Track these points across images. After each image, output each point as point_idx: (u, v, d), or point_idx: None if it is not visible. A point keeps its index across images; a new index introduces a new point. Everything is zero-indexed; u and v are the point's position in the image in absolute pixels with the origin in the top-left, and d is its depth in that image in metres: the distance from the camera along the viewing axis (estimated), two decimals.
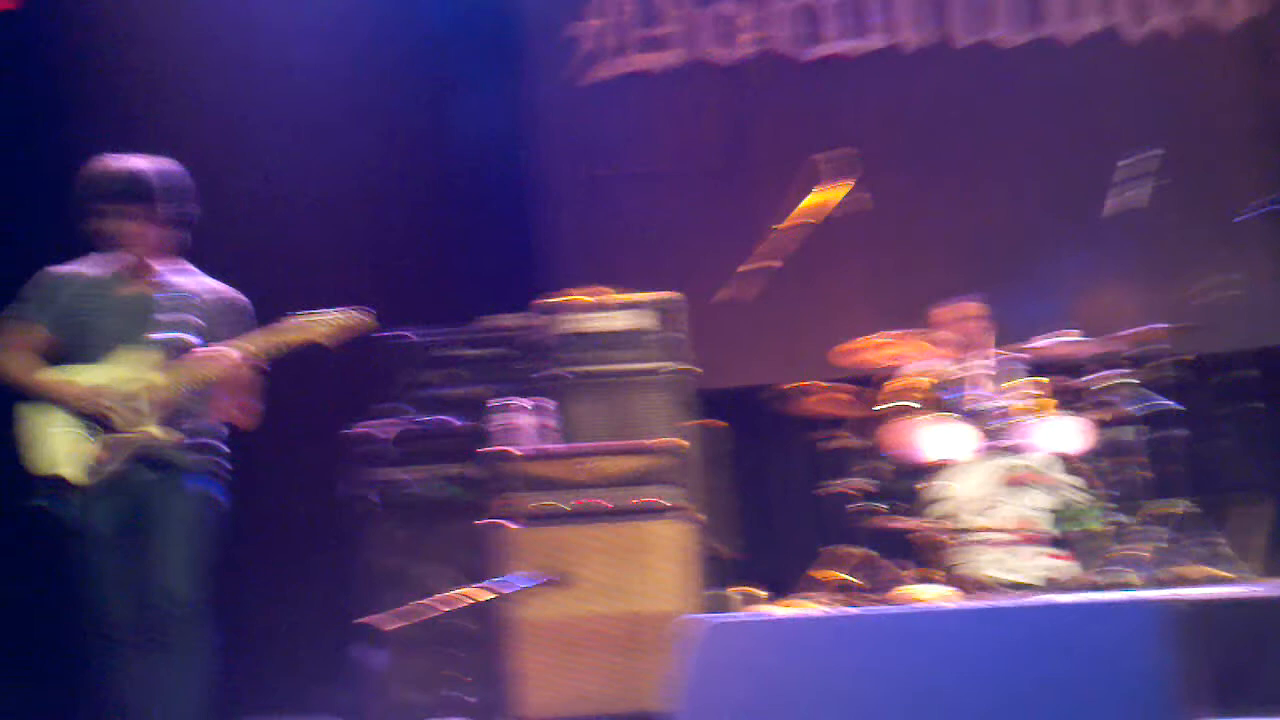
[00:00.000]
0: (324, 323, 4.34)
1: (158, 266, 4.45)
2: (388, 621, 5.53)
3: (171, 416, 4.32)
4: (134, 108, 6.95)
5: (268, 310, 4.58)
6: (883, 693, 3.36)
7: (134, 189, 4.34)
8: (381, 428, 5.86)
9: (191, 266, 4.55)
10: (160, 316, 4.35)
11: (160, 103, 7.02)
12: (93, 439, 4.28)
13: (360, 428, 5.86)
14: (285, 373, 6.49)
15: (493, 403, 5.84)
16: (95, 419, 4.28)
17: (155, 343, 4.31)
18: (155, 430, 4.28)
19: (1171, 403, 5.94)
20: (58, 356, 4.40)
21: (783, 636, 3.70)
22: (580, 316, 5.94)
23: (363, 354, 6.26)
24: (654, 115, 7.63)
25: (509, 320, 6.21)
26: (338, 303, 6.85)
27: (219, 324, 4.43)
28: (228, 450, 4.51)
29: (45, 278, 4.47)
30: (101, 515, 4.28)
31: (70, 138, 6.90)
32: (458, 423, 5.89)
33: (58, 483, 4.25)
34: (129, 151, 4.47)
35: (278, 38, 7.22)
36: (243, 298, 4.56)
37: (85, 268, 4.47)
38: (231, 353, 4.32)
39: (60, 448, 4.27)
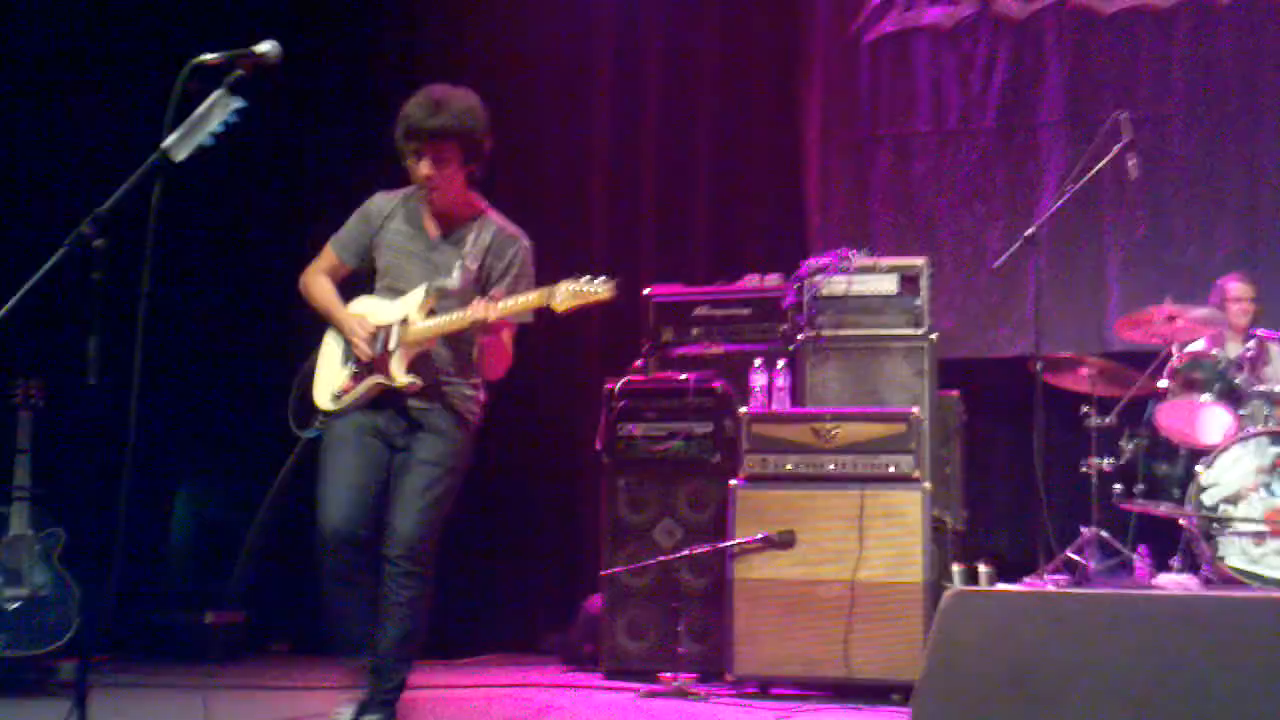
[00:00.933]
0: (578, 294, 4.10)
1: (459, 208, 4.37)
2: (617, 573, 5.73)
3: (419, 361, 4.28)
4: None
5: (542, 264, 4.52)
6: (1136, 676, 3.27)
7: (448, 128, 4.22)
8: (631, 383, 6.01)
9: (486, 205, 4.45)
10: (440, 259, 4.33)
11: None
12: (345, 368, 4.33)
13: (611, 382, 6.03)
14: (543, 322, 6.86)
15: (742, 363, 5.91)
16: (351, 349, 4.32)
17: (428, 286, 4.28)
18: (396, 372, 4.24)
19: None
20: (374, 284, 4.44)
21: (1033, 610, 3.63)
22: (832, 280, 5.91)
23: (622, 309, 6.53)
24: (937, 71, 7.44)
25: (766, 281, 6.25)
26: (607, 257, 7.23)
27: (497, 268, 4.34)
28: (480, 402, 4.42)
29: (371, 204, 4.48)
30: (341, 436, 4.30)
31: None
32: (706, 382, 5.98)
33: (319, 412, 4.34)
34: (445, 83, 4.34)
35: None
36: (525, 241, 4.42)
37: (405, 200, 4.43)
38: (486, 308, 4.17)
39: (325, 376, 4.36)
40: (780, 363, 5.82)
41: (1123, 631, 3.15)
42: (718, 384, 5.92)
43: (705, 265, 7.05)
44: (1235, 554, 5.38)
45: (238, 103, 3.24)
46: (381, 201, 4.48)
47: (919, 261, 5.85)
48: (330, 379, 4.37)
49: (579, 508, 6.84)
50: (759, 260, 6.56)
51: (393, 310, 4.33)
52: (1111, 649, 3.14)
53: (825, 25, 7.53)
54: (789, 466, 5.52)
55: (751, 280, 6.30)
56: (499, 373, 4.42)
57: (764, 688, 5.42)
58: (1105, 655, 3.12)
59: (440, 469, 4.28)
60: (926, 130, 7.39)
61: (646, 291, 6.27)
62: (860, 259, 5.89)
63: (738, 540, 5.42)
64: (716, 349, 6.15)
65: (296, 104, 7.33)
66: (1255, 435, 5.53)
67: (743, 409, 5.66)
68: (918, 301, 5.77)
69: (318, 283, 4.46)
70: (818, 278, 5.88)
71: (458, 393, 4.35)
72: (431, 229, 4.40)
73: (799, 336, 5.84)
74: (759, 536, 5.41)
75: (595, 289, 4.09)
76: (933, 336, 5.74)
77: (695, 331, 6.21)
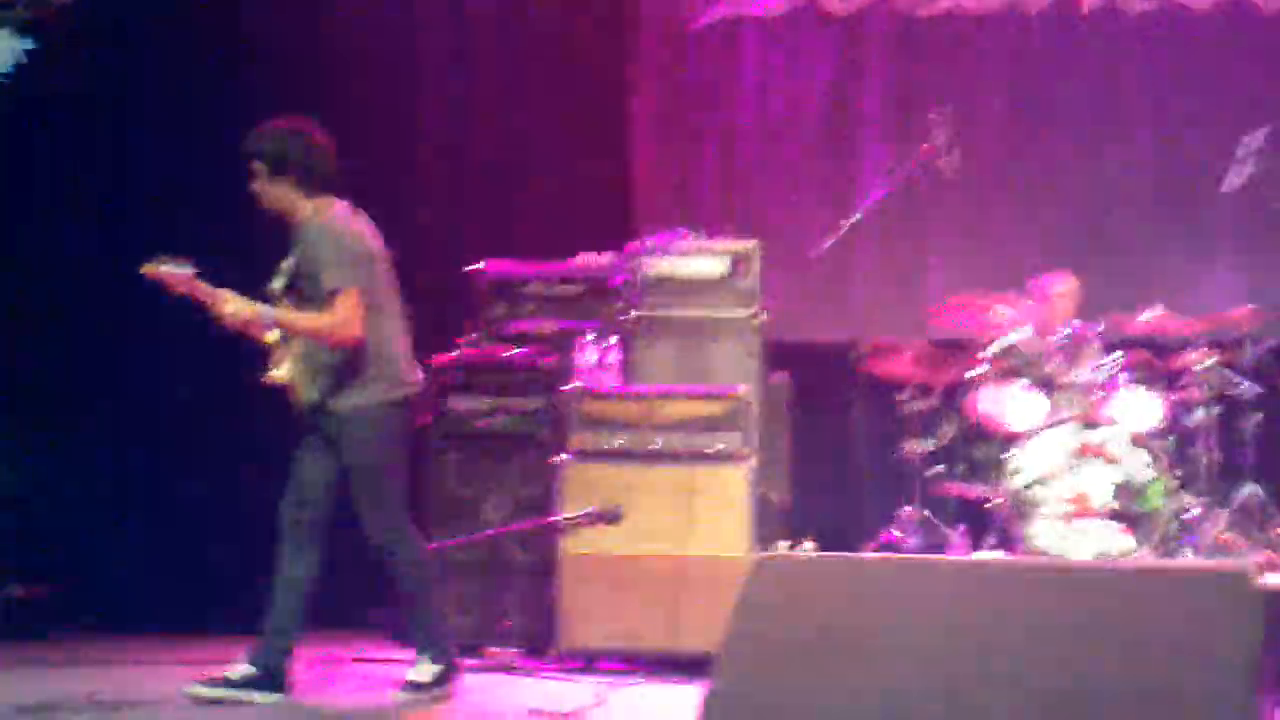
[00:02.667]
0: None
1: (286, 217, 4.85)
2: (444, 548, 5.66)
3: (301, 359, 4.74)
4: None
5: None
6: (941, 641, 3.34)
7: (249, 150, 4.81)
8: (459, 359, 5.96)
9: (315, 207, 4.83)
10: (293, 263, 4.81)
11: None
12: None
13: (439, 358, 5.97)
14: None
15: (572, 340, 5.92)
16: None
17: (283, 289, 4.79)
18: (287, 369, 4.73)
19: (1252, 386, 5.81)
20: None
21: (839, 576, 3.69)
22: (662, 260, 5.95)
23: (449, 285, 6.47)
24: (764, 63, 7.57)
25: (597, 260, 6.26)
26: (438, 233, 7.18)
27: (305, 266, 4.80)
28: (362, 383, 4.75)
29: None
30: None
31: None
32: (535, 358, 5.97)
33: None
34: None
35: None
36: (329, 221, 4.81)
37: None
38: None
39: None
40: (611, 340, 5.84)
41: (917, 595, 3.26)
42: (547, 359, 5.92)
43: (538, 243, 7.01)
44: (1044, 534, 5.61)
45: (26, 43, 3.11)
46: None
47: (749, 244, 5.92)
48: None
49: (411, 484, 6.72)
50: (592, 240, 6.57)
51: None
52: (906, 611, 3.24)
53: (656, 11, 7.59)
54: (618, 443, 5.55)
55: (584, 258, 6.31)
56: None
57: (590, 662, 5.44)
58: (901, 617, 3.23)
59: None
60: (751, 120, 7.52)
61: (478, 267, 6.23)
62: (692, 240, 5.96)
63: (565, 515, 5.42)
64: (548, 326, 6.14)
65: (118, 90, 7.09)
66: (1064, 421, 5.76)
67: (572, 385, 5.67)
68: (747, 283, 5.84)
69: None
70: (649, 257, 5.91)
71: (337, 383, 4.80)
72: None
73: (629, 315, 5.87)
74: (586, 511, 5.42)
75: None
76: (761, 318, 5.82)
77: (527, 308, 6.18)
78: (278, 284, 4.80)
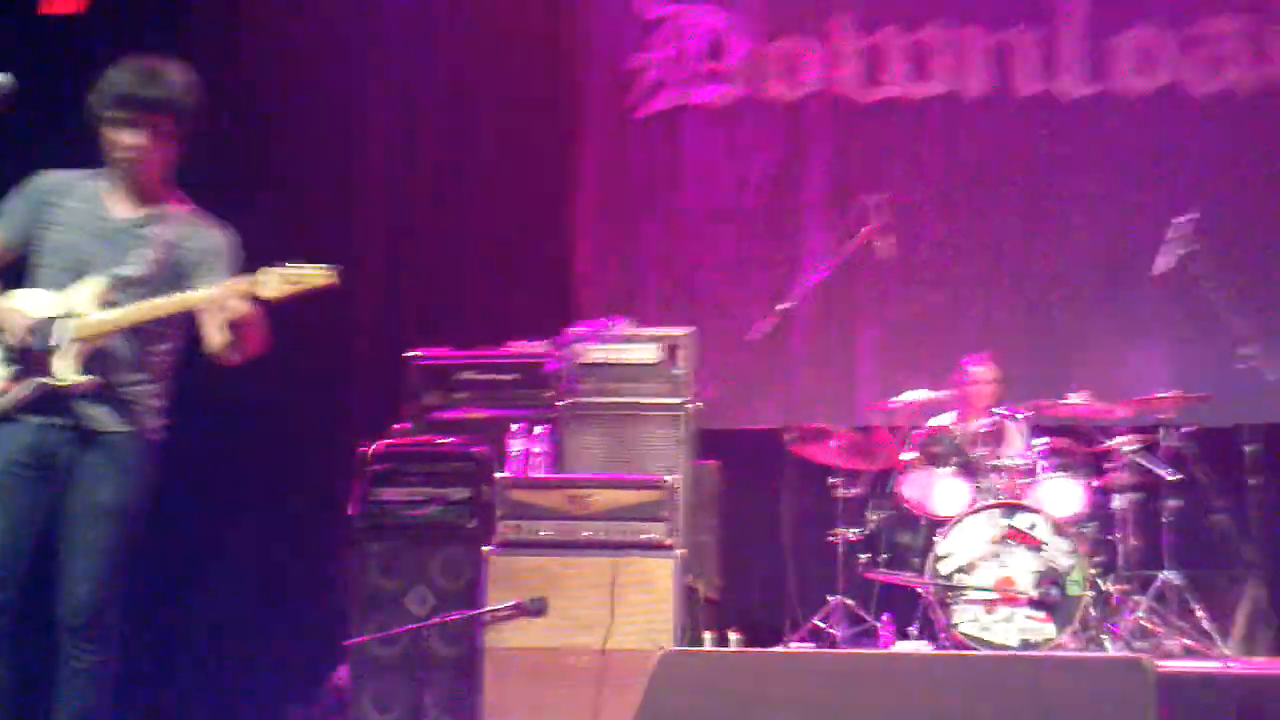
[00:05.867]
0: (289, 278, 3.79)
1: (155, 190, 4.02)
2: (365, 643, 5.62)
3: (93, 359, 3.86)
4: None
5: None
6: None
7: (166, 99, 3.93)
8: (388, 447, 5.96)
9: (185, 200, 4.14)
10: (125, 244, 3.93)
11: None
12: (5, 365, 3.86)
13: (370, 445, 5.97)
14: (303, 381, 6.77)
15: (507, 428, 5.93)
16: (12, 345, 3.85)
17: (112, 275, 3.89)
18: (63, 370, 3.81)
19: (1171, 472, 5.86)
20: (26, 269, 3.99)
21: (742, 671, 3.75)
22: (595, 347, 5.98)
23: (385, 371, 6.50)
24: (706, 149, 7.67)
25: (529, 347, 6.29)
26: (377, 316, 7.19)
27: (189, 259, 3.98)
28: (162, 413, 4.02)
29: (38, 181, 4.05)
30: (7, 450, 3.83)
31: None
32: (465, 446, 5.97)
33: None
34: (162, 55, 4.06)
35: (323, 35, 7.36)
36: (229, 235, 4.10)
37: (83, 179, 4.05)
38: (182, 300, 3.85)
39: None
40: (539, 429, 5.85)
41: (818, 689, 3.29)
42: (476, 449, 5.92)
43: (473, 330, 7.05)
44: (968, 621, 5.61)
45: None
46: (52, 179, 4.04)
47: (681, 332, 5.95)
48: None
49: (332, 577, 6.71)
50: (528, 327, 6.61)
51: (59, 301, 3.89)
52: (808, 706, 3.28)
53: (599, 99, 7.71)
54: (543, 533, 5.52)
55: (517, 345, 6.34)
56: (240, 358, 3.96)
57: None
58: (801, 712, 3.26)
59: (122, 516, 3.84)
60: (694, 206, 7.61)
61: (412, 354, 6.25)
62: (624, 328, 5.99)
63: (489, 608, 5.40)
64: (479, 414, 6.14)
65: None
66: (988, 508, 5.79)
67: (498, 474, 5.67)
68: (678, 371, 5.85)
69: None
70: (581, 345, 5.95)
71: (139, 398, 3.93)
72: (119, 211, 4.00)
73: (560, 403, 5.89)
74: (510, 604, 5.40)
75: (309, 273, 3.78)
76: (691, 406, 5.82)
77: (458, 396, 6.20)
78: (135, 270, 3.92)
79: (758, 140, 7.64)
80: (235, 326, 3.83)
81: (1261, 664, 5.55)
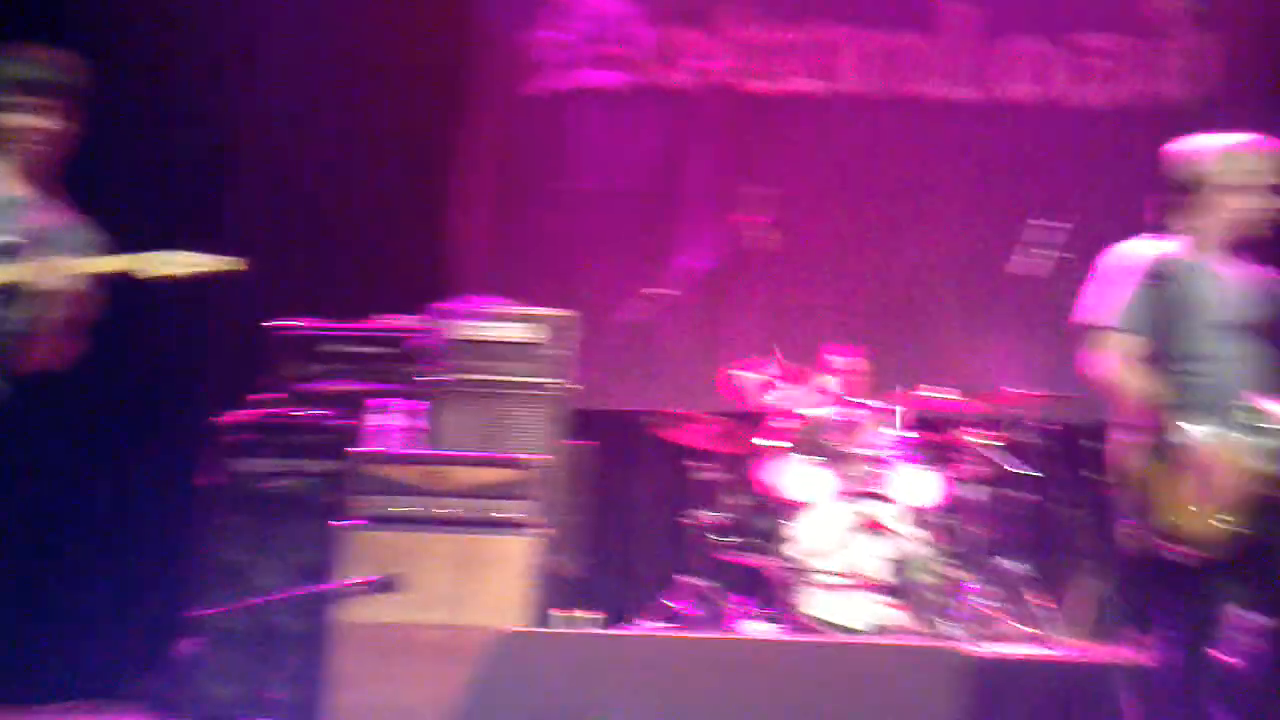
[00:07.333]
0: (171, 262, 3.90)
1: (44, 173, 4.11)
2: (211, 615, 5.55)
3: None
4: None
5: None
6: (651, 709, 3.42)
7: (71, 85, 4.05)
8: (243, 417, 5.88)
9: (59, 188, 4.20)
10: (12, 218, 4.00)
11: None
12: None
13: (230, 415, 5.89)
14: (163, 352, 6.67)
15: (369, 402, 5.87)
16: None
17: None
18: None
19: (1027, 467, 5.99)
20: None
21: (572, 651, 3.77)
22: (467, 324, 5.92)
23: (249, 340, 6.40)
24: (589, 133, 7.67)
25: (398, 321, 6.24)
26: (247, 286, 7.04)
27: (53, 247, 4.03)
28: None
29: None
30: None
31: None
32: (329, 418, 5.91)
33: None
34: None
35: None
36: (89, 228, 4.18)
37: None
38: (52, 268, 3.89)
39: None
40: (406, 403, 5.81)
41: (643, 669, 3.32)
42: (334, 422, 5.86)
43: (348, 306, 6.98)
44: (816, 604, 5.67)
45: None
46: None
47: (554, 312, 5.91)
48: None
49: (181, 547, 6.62)
50: (404, 303, 6.54)
51: None
52: (629, 685, 3.31)
53: (488, 75, 7.67)
54: (398, 509, 5.49)
55: (385, 319, 6.27)
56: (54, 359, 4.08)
57: None
58: (622, 691, 3.28)
59: None
60: (576, 188, 7.61)
61: (276, 323, 6.16)
62: (501, 306, 5.96)
63: (339, 583, 5.35)
64: (342, 386, 6.09)
65: None
66: (842, 495, 5.86)
67: (369, 448, 5.60)
68: (549, 351, 5.81)
69: None
70: (454, 320, 5.90)
71: None
72: (5, 189, 4.10)
73: (429, 378, 5.84)
74: (361, 580, 5.35)
75: (196, 260, 3.86)
76: (566, 386, 5.79)
77: (319, 368, 6.12)
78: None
79: (643, 125, 7.66)
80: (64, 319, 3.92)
81: (1090, 649, 5.67)
